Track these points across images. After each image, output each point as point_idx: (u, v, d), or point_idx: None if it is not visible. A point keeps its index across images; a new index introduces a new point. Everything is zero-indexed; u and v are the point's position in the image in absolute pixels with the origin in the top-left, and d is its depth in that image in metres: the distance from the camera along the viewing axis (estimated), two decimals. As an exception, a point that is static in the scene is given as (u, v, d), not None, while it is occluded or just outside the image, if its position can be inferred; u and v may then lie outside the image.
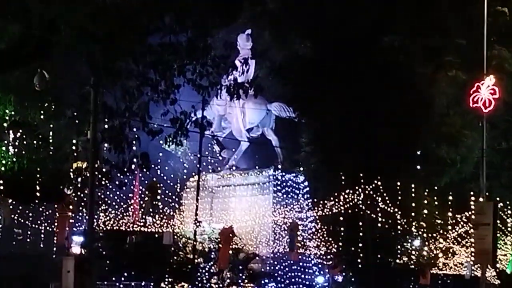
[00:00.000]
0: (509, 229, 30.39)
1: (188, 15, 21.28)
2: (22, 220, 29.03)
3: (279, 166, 32.61)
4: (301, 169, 33.02)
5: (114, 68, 20.82)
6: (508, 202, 29.25)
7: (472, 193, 27.21)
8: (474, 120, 27.16)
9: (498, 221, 24.35)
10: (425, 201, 29.41)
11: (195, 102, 24.98)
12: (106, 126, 21.67)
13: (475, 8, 26.48)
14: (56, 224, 26.68)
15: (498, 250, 26.28)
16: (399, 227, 29.52)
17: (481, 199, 24.61)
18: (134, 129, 21.46)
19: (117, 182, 25.14)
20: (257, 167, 33.24)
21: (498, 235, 25.48)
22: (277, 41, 34.52)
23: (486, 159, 25.62)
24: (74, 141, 23.19)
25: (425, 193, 29.78)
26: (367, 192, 29.85)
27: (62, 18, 18.31)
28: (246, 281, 29.00)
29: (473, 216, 25.19)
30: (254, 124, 33.61)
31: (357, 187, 29.92)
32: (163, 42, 21.04)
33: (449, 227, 30.05)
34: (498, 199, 27.47)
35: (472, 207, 26.08)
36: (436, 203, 29.80)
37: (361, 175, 29.91)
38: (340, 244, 31.45)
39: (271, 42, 34.26)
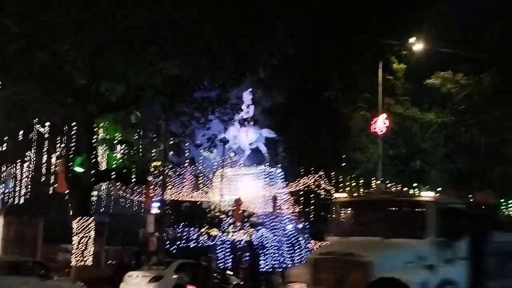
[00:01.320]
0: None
1: (216, 80, 21.83)
2: (125, 194, 29.47)
3: (267, 164, 32.82)
4: (279, 165, 33.08)
5: (175, 110, 21.32)
6: (393, 183, 29.21)
7: (374, 179, 27.18)
8: (374, 139, 27.27)
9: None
10: (347, 183, 29.31)
11: (220, 129, 25.61)
12: (171, 142, 22.15)
13: (375, 76, 26.59)
14: (143, 196, 27.02)
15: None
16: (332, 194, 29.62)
17: (377, 182, 24.80)
18: (186, 144, 21.77)
19: (177, 173, 25.50)
20: (254, 165, 33.41)
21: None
22: (266, 95, 34.52)
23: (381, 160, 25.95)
24: (153, 151, 23.58)
25: (348, 179, 29.76)
26: (316, 178, 30.12)
27: (147, 84, 18.85)
28: (249, 227, 29.17)
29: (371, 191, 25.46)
30: (253, 141, 33.81)
31: (310, 176, 30.20)
32: (202, 95, 21.63)
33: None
34: (387, 181, 27.61)
35: (373, 186, 26.38)
36: (353, 185, 29.79)
37: (312, 169, 30.18)
38: (301, 207, 31.64)
39: (263, 95, 34.26)
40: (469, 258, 10.43)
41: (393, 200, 11.62)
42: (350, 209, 11.90)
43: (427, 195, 10.74)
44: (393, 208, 11.49)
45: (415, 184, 30.51)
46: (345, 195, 12.82)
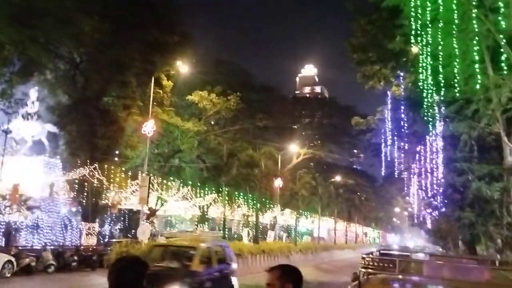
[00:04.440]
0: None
1: (1, 76, 20.10)
2: None
3: (47, 155, 30.93)
4: (58, 157, 31.30)
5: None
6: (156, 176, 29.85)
7: (140, 172, 27.55)
8: (144, 139, 27.52)
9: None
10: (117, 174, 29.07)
11: (4, 120, 23.34)
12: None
13: (148, 88, 26.89)
14: None
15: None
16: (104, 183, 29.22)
17: (143, 175, 25.30)
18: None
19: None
20: (35, 155, 31.13)
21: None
22: (51, 94, 32.52)
23: (148, 157, 26.48)
24: None
25: (119, 171, 29.67)
26: (91, 169, 29.36)
27: None
28: (25, 209, 27.05)
29: (138, 182, 25.92)
30: (36, 133, 31.25)
31: (86, 167, 29.35)
32: None
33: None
34: (152, 176, 28.41)
35: (139, 177, 26.98)
36: (123, 175, 29.82)
37: (88, 161, 29.35)
38: (76, 193, 30.50)
39: (48, 94, 32.16)
40: None
41: None
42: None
43: None
44: None
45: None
46: None
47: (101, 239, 29.64)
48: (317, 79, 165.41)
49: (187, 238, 14.31)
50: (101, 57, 28.77)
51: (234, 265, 14.76)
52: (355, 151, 75.90)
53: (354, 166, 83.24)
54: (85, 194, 29.08)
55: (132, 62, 29.28)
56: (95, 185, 28.35)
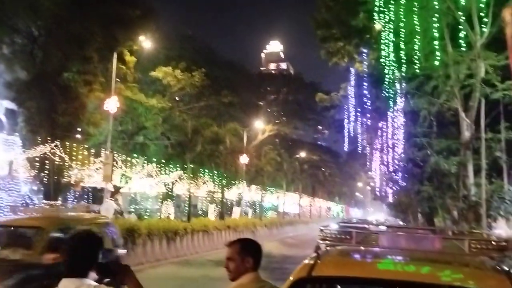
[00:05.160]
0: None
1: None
2: None
3: (5, 132, 29.92)
4: (17, 134, 30.25)
5: None
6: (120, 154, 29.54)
7: (103, 150, 27.16)
8: (107, 116, 26.92)
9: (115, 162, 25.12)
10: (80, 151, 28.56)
11: None
12: None
13: (110, 64, 26.26)
14: None
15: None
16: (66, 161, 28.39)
17: (107, 152, 24.95)
18: None
19: None
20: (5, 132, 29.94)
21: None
22: (8, 69, 31.14)
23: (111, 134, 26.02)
24: None
25: (81, 149, 29.14)
26: (52, 147, 28.64)
27: None
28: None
29: (102, 160, 25.50)
30: None
31: (47, 144, 28.60)
32: None
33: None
34: (116, 153, 27.89)
35: (103, 155, 26.58)
36: (86, 152, 29.28)
37: (49, 139, 28.58)
38: (37, 172, 29.61)
39: (5, 69, 30.74)
40: None
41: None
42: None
43: None
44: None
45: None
46: None
47: (64, 217, 29.04)
48: (282, 56, 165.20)
49: (44, 215, 10.52)
50: (61, 31, 27.84)
51: (120, 252, 10.75)
52: (320, 127, 76.88)
53: (319, 142, 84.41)
54: (47, 172, 28.29)
55: (93, 36, 28.41)
56: (56, 162, 27.62)
